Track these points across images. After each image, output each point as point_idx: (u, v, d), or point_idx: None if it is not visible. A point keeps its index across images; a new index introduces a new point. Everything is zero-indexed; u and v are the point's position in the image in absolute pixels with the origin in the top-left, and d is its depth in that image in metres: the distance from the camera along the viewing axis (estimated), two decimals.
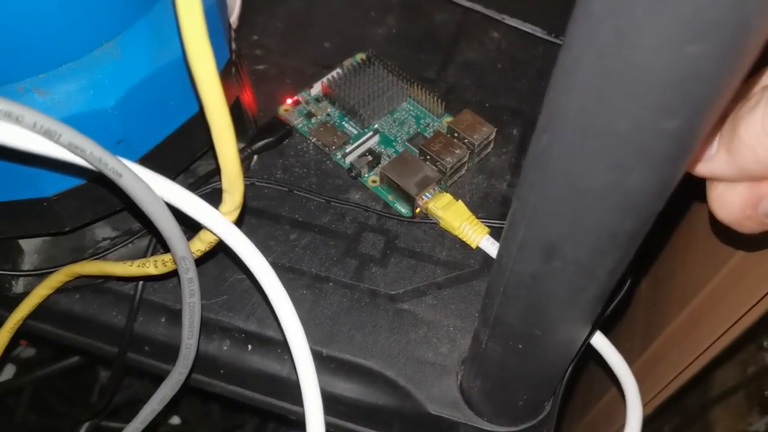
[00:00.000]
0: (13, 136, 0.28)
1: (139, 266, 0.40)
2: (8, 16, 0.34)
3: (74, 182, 0.41)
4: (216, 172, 0.51)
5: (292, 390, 0.47)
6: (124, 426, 0.51)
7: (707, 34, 0.18)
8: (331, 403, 0.44)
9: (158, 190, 0.32)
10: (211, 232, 0.35)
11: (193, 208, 0.34)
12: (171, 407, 0.48)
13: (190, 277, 0.36)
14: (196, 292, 0.36)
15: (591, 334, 0.44)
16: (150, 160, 0.43)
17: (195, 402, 0.88)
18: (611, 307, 0.43)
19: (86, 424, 0.72)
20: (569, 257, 0.28)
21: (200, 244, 0.37)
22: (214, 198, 0.48)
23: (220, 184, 0.47)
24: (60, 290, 0.47)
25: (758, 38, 0.19)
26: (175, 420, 0.89)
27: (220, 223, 0.35)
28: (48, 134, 0.28)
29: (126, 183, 0.30)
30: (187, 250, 0.34)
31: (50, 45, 0.37)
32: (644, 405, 0.67)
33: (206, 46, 0.29)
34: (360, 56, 0.60)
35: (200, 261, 0.39)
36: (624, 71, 0.20)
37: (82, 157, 0.29)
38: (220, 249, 0.40)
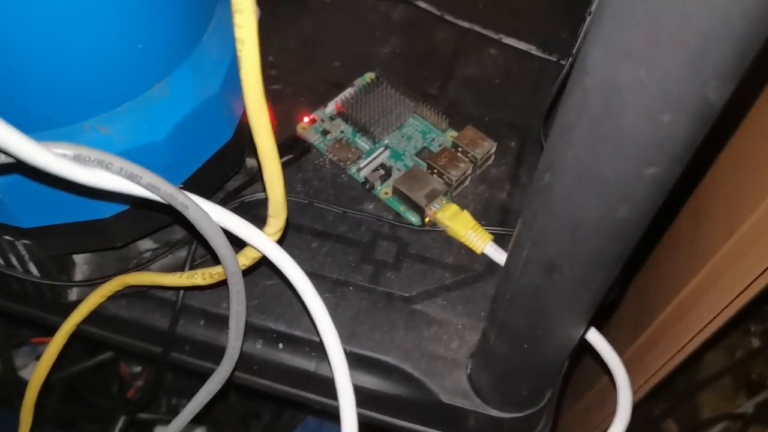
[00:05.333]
0: (104, 179, 0.33)
1: (188, 278, 0.46)
2: (79, 69, 0.39)
3: (128, 204, 0.47)
4: (244, 186, 0.56)
5: (319, 383, 0.52)
6: (155, 417, 0.57)
7: (677, 106, 0.24)
8: (354, 394, 0.49)
9: (215, 216, 0.38)
10: (258, 250, 0.41)
11: (244, 231, 0.39)
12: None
13: (238, 289, 0.41)
14: (242, 302, 0.42)
15: (585, 331, 0.49)
16: (192, 181, 0.49)
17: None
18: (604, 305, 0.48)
19: (123, 418, 0.77)
20: (567, 272, 0.34)
21: (245, 259, 0.43)
22: (244, 211, 0.54)
23: (256, 196, 0.53)
24: (108, 297, 0.53)
25: (715, 108, 0.25)
26: None
27: (265, 244, 0.40)
28: (131, 177, 0.33)
29: (191, 214, 0.36)
30: (237, 268, 0.40)
31: (111, 89, 0.42)
32: (634, 391, 0.73)
33: (265, 115, 0.34)
34: (369, 76, 0.66)
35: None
36: (612, 132, 0.26)
37: (156, 194, 0.35)
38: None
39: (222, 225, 0.39)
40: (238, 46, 0.31)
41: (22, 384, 0.63)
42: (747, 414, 1.14)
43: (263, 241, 0.40)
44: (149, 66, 0.43)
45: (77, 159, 0.32)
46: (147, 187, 0.34)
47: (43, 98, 0.40)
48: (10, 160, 0.32)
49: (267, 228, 0.41)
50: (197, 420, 0.94)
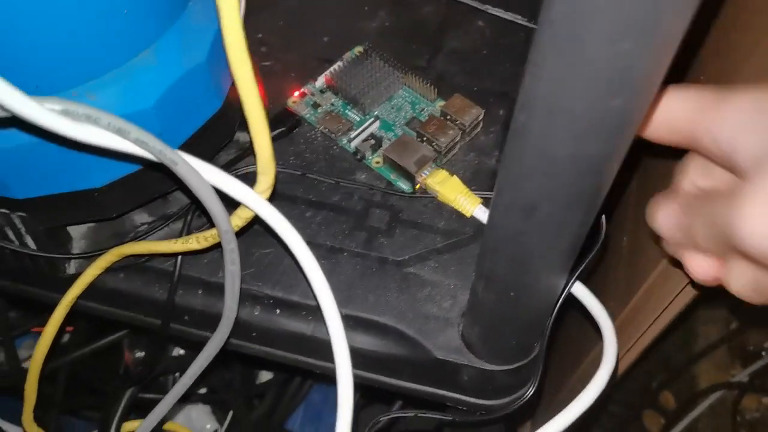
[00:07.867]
0: (92, 134, 0.34)
1: (182, 243, 0.47)
2: (66, 35, 0.40)
3: (119, 173, 0.48)
4: (236, 161, 0.57)
5: (317, 347, 0.53)
6: (159, 396, 0.58)
7: (633, 32, 0.25)
8: (352, 355, 0.50)
9: (205, 175, 0.39)
10: (249, 208, 0.42)
11: (234, 188, 0.40)
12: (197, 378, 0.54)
13: (231, 247, 0.42)
14: (236, 261, 0.43)
15: (570, 283, 0.50)
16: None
17: (218, 371, 0.93)
18: (589, 258, 0.49)
19: (128, 392, 0.78)
20: (545, 212, 0.35)
21: (238, 219, 0.44)
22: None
23: (249, 169, 0.54)
24: (107, 270, 0.54)
25: (674, 36, 0.26)
26: (202, 390, 0.95)
27: (256, 201, 0.41)
28: (119, 132, 0.34)
29: (180, 169, 0.37)
30: (229, 225, 0.41)
31: (98, 56, 0.43)
32: (628, 350, 0.74)
33: (246, 58, 0.35)
34: (358, 49, 0.67)
35: None
36: (577, 63, 0.27)
37: (145, 149, 0.36)
38: (248, 226, 0.46)
39: (211, 183, 0.40)
40: None
41: (25, 375, 0.64)
42: (742, 383, 1.16)
43: (254, 199, 0.41)
44: (135, 33, 0.44)
45: (65, 113, 0.33)
46: (135, 141, 0.35)
47: (31, 66, 0.41)
48: (3, 114, 0.33)
49: (257, 186, 0.42)
50: (202, 401, 0.96)
